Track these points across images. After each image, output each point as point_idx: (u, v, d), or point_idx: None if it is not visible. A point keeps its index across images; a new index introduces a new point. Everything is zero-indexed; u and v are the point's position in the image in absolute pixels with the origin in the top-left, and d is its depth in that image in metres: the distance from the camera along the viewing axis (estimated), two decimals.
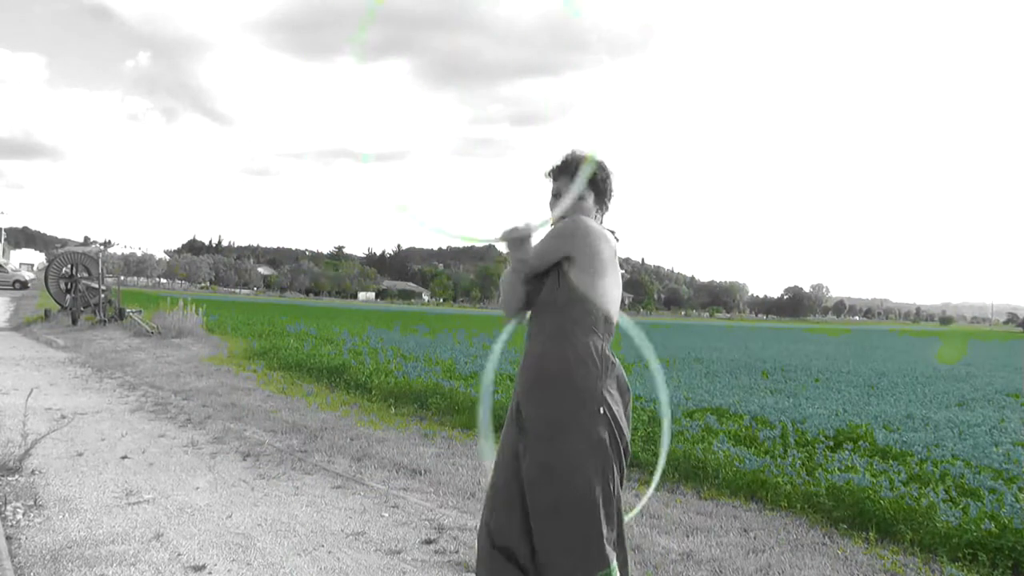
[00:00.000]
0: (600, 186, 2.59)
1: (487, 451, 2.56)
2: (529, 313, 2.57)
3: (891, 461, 5.44)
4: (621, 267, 2.56)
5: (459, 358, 12.03)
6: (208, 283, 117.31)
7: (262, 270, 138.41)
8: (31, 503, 4.16)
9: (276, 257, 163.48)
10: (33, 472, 4.79)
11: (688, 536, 4.12)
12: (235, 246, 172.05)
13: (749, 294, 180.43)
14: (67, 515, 4.00)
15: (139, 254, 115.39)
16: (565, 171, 2.59)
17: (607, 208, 2.64)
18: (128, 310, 18.44)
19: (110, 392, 8.56)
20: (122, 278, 39.31)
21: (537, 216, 2.54)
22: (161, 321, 16.76)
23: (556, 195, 2.60)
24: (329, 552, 3.66)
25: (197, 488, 4.66)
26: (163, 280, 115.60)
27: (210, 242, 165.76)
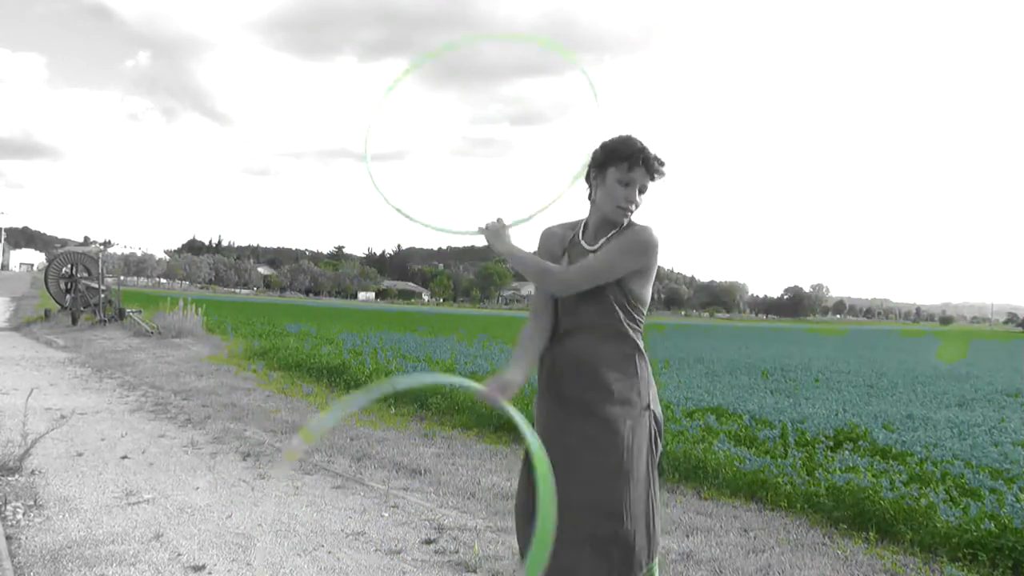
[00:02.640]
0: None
1: None
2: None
3: (891, 461, 5.44)
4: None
5: (459, 358, 12.03)
6: (207, 283, 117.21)
7: (262, 270, 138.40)
8: (31, 503, 4.16)
9: (276, 257, 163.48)
10: (33, 472, 4.79)
11: (688, 536, 4.12)
12: (235, 246, 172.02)
13: (749, 294, 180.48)
14: (67, 515, 4.00)
15: (139, 254, 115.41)
16: (598, 163, 2.38)
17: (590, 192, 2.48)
18: (128, 310, 18.45)
19: (110, 392, 8.56)
20: (122, 278, 39.29)
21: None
22: (161, 321, 16.75)
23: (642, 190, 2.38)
24: (329, 552, 3.66)
25: (197, 488, 4.66)
26: (163, 280, 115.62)
27: (210, 242, 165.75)
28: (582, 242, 2.44)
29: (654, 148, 2.34)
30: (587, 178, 2.43)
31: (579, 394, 2.34)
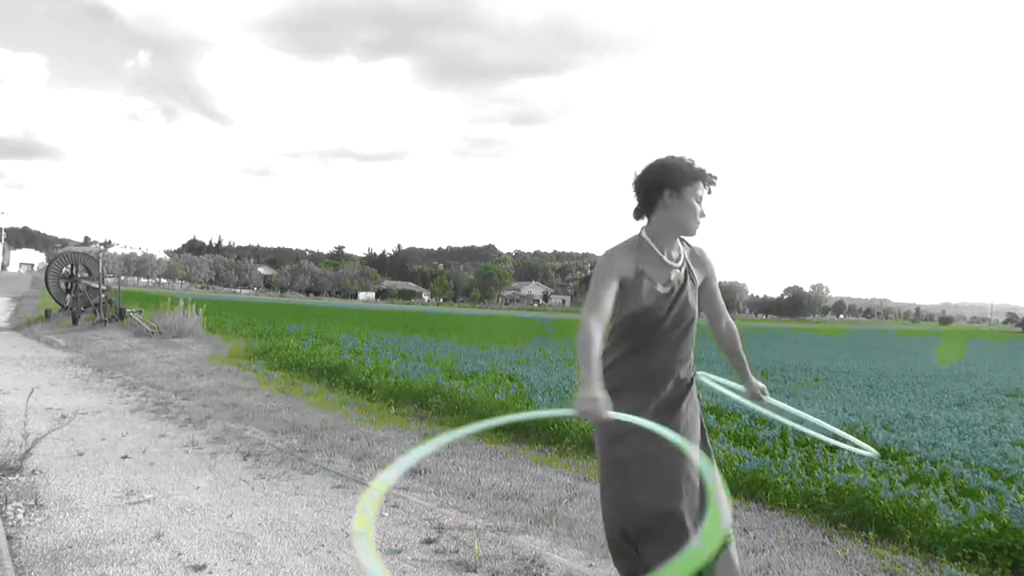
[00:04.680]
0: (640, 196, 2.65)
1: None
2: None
3: (891, 461, 5.44)
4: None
5: (459, 358, 12.04)
6: (207, 283, 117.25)
7: (262, 270, 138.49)
8: (32, 503, 4.17)
9: (276, 257, 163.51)
10: (34, 472, 4.80)
11: None
12: (235, 246, 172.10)
13: (749, 294, 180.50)
14: (67, 515, 4.00)
15: (139, 254, 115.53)
16: (674, 184, 2.59)
17: (651, 209, 2.64)
18: (128, 310, 18.46)
19: (110, 392, 8.57)
20: (122, 278, 39.28)
21: None
22: (161, 321, 16.77)
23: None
24: (329, 552, 3.66)
25: (197, 488, 4.67)
26: (163, 280, 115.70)
27: (210, 242, 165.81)
28: (666, 258, 2.66)
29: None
30: (649, 202, 2.62)
31: None
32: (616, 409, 2.28)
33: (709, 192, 2.61)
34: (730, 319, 2.91)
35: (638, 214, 2.68)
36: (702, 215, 2.60)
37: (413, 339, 16.84)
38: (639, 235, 2.65)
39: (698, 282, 2.74)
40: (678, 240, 2.68)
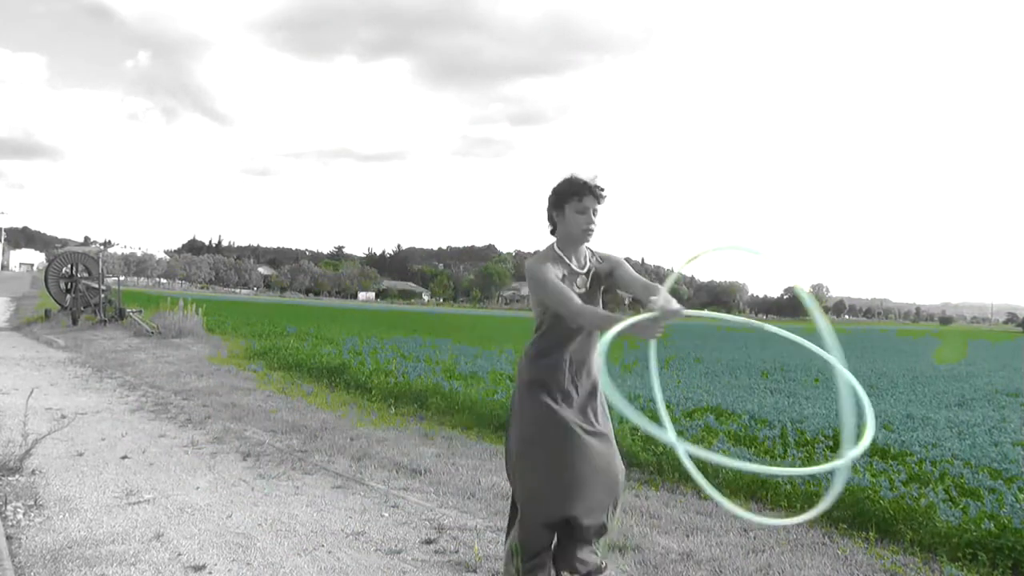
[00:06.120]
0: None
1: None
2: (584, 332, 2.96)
3: (891, 461, 5.44)
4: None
5: (459, 358, 12.04)
6: (207, 283, 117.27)
7: (262, 270, 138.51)
8: (31, 503, 4.17)
9: (276, 257, 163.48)
10: (33, 472, 4.80)
11: (688, 536, 4.12)
12: (235, 246, 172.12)
13: (749, 294, 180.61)
14: (67, 515, 4.00)
15: (139, 254, 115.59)
16: (555, 204, 2.97)
17: (553, 225, 3.01)
18: (128, 310, 18.46)
19: (110, 392, 8.57)
20: (122, 278, 39.29)
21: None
22: (161, 321, 16.78)
23: (549, 219, 3.01)
24: (329, 552, 3.66)
25: (197, 488, 4.67)
26: (163, 280, 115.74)
27: (210, 242, 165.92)
28: (573, 266, 3.00)
29: (597, 176, 2.93)
30: (550, 219, 3.02)
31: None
32: (538, 401, 2.89)
33: (599, 202, 2.91)
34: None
35: (551, 230, 3.05)
36: (589, 224, 2.91)
37: (413, 339, 16.84)
38: (551, 246, 3.00)
39: (603, 283, 3.05)
40: (585, 248, 3.02)
